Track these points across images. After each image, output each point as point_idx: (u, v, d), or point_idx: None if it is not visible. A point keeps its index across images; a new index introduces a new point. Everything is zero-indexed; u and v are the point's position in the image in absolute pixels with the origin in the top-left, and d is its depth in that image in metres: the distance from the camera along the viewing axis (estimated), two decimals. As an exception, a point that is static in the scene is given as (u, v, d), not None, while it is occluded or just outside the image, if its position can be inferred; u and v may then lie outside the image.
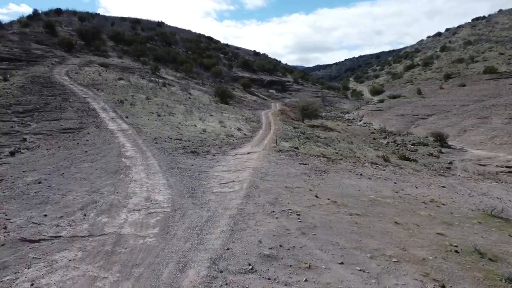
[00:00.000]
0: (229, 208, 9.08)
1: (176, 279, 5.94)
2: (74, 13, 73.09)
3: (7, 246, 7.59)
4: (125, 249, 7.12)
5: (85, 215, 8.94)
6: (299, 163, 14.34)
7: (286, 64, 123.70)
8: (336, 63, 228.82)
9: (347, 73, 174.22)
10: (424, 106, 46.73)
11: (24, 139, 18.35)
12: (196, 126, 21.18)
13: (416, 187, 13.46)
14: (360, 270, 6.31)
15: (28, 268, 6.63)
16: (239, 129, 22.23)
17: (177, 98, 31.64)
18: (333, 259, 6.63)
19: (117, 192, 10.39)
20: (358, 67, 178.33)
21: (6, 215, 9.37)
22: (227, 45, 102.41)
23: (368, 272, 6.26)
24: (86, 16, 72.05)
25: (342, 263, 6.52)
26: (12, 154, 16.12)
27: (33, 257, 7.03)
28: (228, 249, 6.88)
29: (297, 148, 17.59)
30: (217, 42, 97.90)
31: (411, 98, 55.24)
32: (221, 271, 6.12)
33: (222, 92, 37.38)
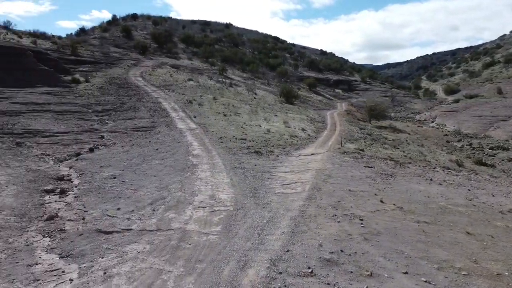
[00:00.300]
0: (291, 209, 9.08)
1: (236, 277, 6.06)
2: (148, 17, 77.26)
3: (85, 236, 8.24)
4: (189, 244, 7.40)
5: (154, 210, 9.44)
6: (364, 166, 13.94)
7: (353, 62, 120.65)
8: (407, 61, 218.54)
9: (419, 71, 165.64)
10: (505, 107, 43.11)
11: (102, 137, 19.77)
12: (260, 126, 21.42)
13: (493, 195, 12.47)
14: (425, 281, 6.00)
15: (102, 258, 7.14)
16: (303, 130, 22.12)
17: (242, 98, 32.22)
18: (397, 268, 6.37)
19: (184, 189, 10.83)
20: (431, 65, 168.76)
21: (84, 207, 10.18)
22: (293, 44, 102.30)
23: (434, 284, 5.93)
24: (160, 20, 75.85)
25: (406, 272, 6.24)
26: (91, 150, 17.45)
27: (106, 248, 7.57)
28: (288, 251, 6.89)
29: (362, 150, 17.12)
30: (284, 42, 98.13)
31: (490, 98, 51.24)
32: (281, 273, 6.14)
33: (287, 92, 37.43)
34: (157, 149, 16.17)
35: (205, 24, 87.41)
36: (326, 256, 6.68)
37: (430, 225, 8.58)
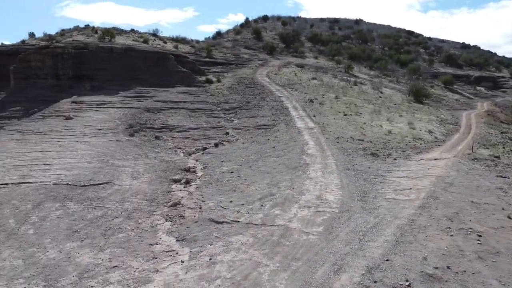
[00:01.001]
0: (399, 217, 8.62)
1: (328, 280, 6.08)
2: (278, 18, 79.62)
3: (199, 224, 9.10)
4: (289, 242, 7.62)
5: (262, 205, 9.91)
6: (496, 175, 12.34)
7: (503, 56, 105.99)
8: None
9: None
10: None
11: (227, 133, 21.24)
12: (381, 127, 20.53)
13: None
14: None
15: (210, 245, 7.82)
16: (430, 132, 20.48)
17: (366, 97, 31.18)
18: (515, 294, 5.63)
19: (293, 188, 11.09)
20: None
21: (202, 197, 11.19)
22: (429, 38, 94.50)
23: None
24: (288, 21, 77.52)
25: (526, 301, 5.47)
26: (216, 145, 18.91)
27: (215, 236, 8.25)
28: (387, 260, 6.61)
29: (498, 157, 15.14)
30: (418, 36, 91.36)
31: None
32: (375, 281, 5.95)
33: (417, 90, 34.94)
34: (273, 147, 16.76)
35: (334, 22, 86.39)
36: (429, 271, 6.22)
37: None
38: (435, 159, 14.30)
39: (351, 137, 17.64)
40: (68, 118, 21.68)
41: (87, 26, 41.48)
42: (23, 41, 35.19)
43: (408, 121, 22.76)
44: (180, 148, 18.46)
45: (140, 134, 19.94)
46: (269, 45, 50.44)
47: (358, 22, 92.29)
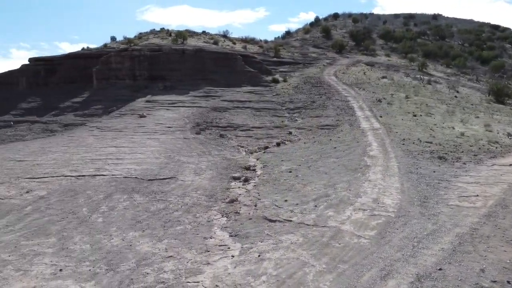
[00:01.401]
0: (460, 225, 8.14)
1: (374, 285, 5.96)
2: (349, 15, 77.81)
3: (253, 221, 9.33)
4: (339, 244, 7.56)
5: (315, 206, 9.89)
6: None
7: None
8: None
9: None
10: None
11: (290, 133, 21.33)
12: (453, 128, 19.29)
13: None
14: None
15: (261, 242, 8.00)
16: (509, 135, 18.83)
17: (440, 96, 29.44)
18: None
19: (350, 190, 10.91)
20: None
21: (259, 195, 11.42)
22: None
23: None
24: (360, 18, 75.40)
25: None
26: (278, 145, 19.10)
27: (267, 234, 8.42)
28: (440, 269, 6.30)
29: None
30: (505, 30, 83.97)
31: None
32: (424, 290, 5.72)
33: (498, 89, 32.18)
34: (335, 148, 16.55)
35: (409, 18, 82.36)
36: (485, 284, 5.84)
37: None
38: (510, 164, 13.19)
39: (418, 139, 16.84)
40: (142, 116, 23.19)
41: (162, 29, 43.91)
42: (105, 45, 38.25)
43: (484, 122, 21.16)
44: (242, 147, 18.91)
45: (206, 132, 20.75)
46: (338, 44, 49.55)
47: (435, 17, 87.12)
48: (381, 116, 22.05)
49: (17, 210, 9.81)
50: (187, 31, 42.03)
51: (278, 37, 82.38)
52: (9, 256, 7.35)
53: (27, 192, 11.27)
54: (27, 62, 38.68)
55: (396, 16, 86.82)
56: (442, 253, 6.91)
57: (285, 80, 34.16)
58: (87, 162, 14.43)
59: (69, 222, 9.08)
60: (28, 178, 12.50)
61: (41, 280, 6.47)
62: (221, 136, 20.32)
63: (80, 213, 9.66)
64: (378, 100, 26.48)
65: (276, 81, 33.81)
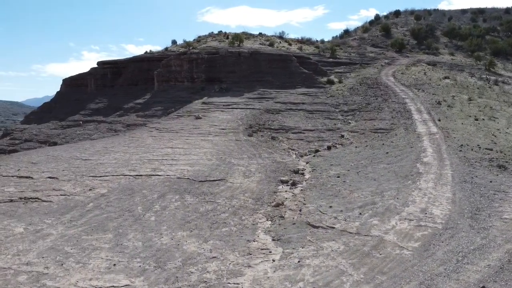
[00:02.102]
0: (512, 241, 7.76)
1: (410, 298, 5.92)
2: (411, 12, 74.71)
3: (296, 226, 9.51)
4: (380, 254, 7.53)
5: (360, 213, 9.85)
6: None
7: None
8: None
9: None
10: None
11: (342, 136, 21.13)
12: (520, 134, 18.09)
13: None
14: None
15: (302, 248, 8.17)
16: None
17: (508, 98, 27.58)
18: None
19: (398, 198, 10.72)
20: None
21: (304, 200, 11.55)
22: None
23: None
24: (423, 14, 72.14)
25: None
26: (328, 148, 19.02)
27: (308, 240, 8.56)
28: (483, 287, 6.10)
29: None
30: None
31: None
32: (462, 308, 5.60)
33: None
34: (387, 153, 16.19)
35: (478, 13, 77.39)
36: (531, 305, 5.59)
37: None
38: None
39: (477, 145, 16.01)
40: (197, 118, 24.10)
41: (220, 32, 45.08)
42: (166, 48, 40.09)
43: (557, 128, 19.59)
44: (293, 150, 19.07)
45: (258, 134, 21.14)
46: (398, 42, 47.88)
47: (509, 10, 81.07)
48: (439, 120, 21.17)
49: (81, 206, 10.75)
50: (244, 33, 42.79)
51: (336, 36, 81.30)
52: (72, 249, 8.14)
53: (90, 189, 12.27)
54: (96, 65, 41.53)
55: (464, 11, 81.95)
56: (488, 270, 6.67)
57: (340, 81, 33.74)
58: (144, 162, 15.35)
59: (125, 219, 9.81)
60: (92, 176, 13.58)
61: (97, 273, 7.12)
62: (273, 138, 20.60)
63: (136, 211, 10.39)
64: (437, 102, 25.38)
65: (331, 82, 33.50)
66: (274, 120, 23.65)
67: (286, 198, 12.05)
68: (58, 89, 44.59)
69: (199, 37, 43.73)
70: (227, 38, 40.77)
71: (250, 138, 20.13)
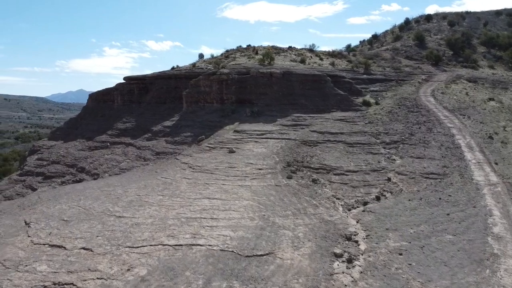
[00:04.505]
0: None
1: None
2: (443, 16, 71.72)
3: None
4: None
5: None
6: None
7: None
8: None
9: None
10: None
11: (389, 179, 19.56)
12: None
13: None
14: None
15: None
16: None
17: None
18: None
19: (482, 303, 9.24)
20: None
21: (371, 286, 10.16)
22: None
23: None
24: (456, 19, 69.12)
25: None
26: (377, 198, 17.53)
27: None
28: None
29: None
30: None
31: None
32: None
33: None
34: (448, 215, 14.62)
35: (515, 15, 73.72)
36: None
37: None
38: None
39: (552, 207, 14.29)
40: (231, 151, 22.89)
41: (248, 46, 43.74)
42: (194, 65, 38.90)
43: None
44: (338, 199, 17.66)
45: (297, 175, 19.78)
46: (434, 55, 45.62)
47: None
48: (496, 163, 19.39)
49: (121, 303, 9.66)
50: (273, 48, 41.34)
51: (364, 40, 78.88)
52: None
53: (128, 270, 11.18)
54: (123, 81, 40.83)
55: (498, 13, 78.29)
56: None
57: (377, 103, 32.02)
58: (182, 223, 14.21)
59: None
60: (128, 247, 12.50)
61: None
62: (314, 181, 19.21)
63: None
64: (488, 136, 23.50)
65: (367, 104, 31.82)
66: (313, 156, 22.23)
67: (346, 286, 10.71)
68: (85, 104, 44.26)
69: (226, 51, 42.52)
70: (256, 53, 39.41)
71: (290, 182, 18.79)
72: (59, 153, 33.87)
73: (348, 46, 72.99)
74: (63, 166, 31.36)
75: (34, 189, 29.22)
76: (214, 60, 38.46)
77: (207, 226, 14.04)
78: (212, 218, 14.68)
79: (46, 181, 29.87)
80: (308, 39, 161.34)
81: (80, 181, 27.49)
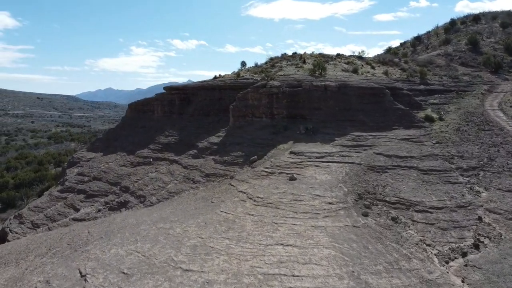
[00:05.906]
0: None
1: None
2: (493, 17, 67.35)
3: None
4: None
5: None
6: None
7: None
8: None
9: None
10: None
11: (480, 219, 17.06)
12: None
13: None
14: None
15: None
16: None
17: None
18: None
19: None
20: None
21: None
22: None
23: None
24: (507, 19, 64.71)
25: None
26: (476, 247, 15.10)
27: None
28: None
29: None
30: None
31: None
32: None
33: None
34: None
35: None
36: None
37: None
38: None
39: None
40: (291, 179, 20.80)
41: (294, 54, 41.45)
42: (238, 74, 36.82)
43: None
44: (429, 245, 15.28)
45: (373, 211, 17.52)
46: (493, 61, 42.14)
47: None
48: None
49: None
50: (321, 56, 38.93)
51: (404, 42, 75.19)
52: None
53: None
54: (163, 91, 39.36)
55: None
56: None
57: (441, 118, 29.25)
58: (261, 282, 12.20)
59: None
60: (207, 319, 10.60)
61: None
62: (394, 220, 16.91)
63: None
64: None
65: (430, 119, 29.09)
66: (385, 186, 19.86)
67: None
68: (124, 114, 43.09)
69: (271, 59, 40.36)
70: (304, 61, 37.10)
71: (368, 221, 16.55)
72: (100, 168, 32.60)
73: (389, 49, 69.70)
74: (105, 183, 30.01)
75: (76, 209, 27.98)
76: (260, 69, 36.37)
77: (290, 287, 12.00)
78: (293, 276, 12.61)
79: (89, 200, 28.56)
80: (334, 37, 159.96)
81: (125, 202, 26.00)
